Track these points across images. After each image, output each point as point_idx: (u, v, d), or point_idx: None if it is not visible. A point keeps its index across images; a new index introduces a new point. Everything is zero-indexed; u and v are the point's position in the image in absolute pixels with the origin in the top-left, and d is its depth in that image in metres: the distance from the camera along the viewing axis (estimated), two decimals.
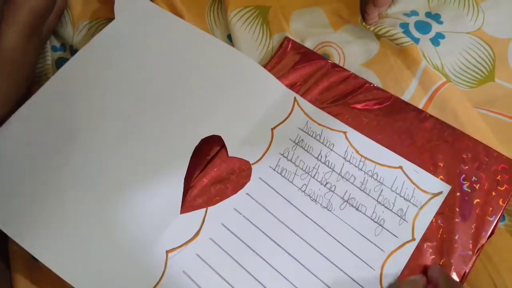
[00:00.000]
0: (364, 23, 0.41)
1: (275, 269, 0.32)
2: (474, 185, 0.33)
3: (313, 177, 0.34)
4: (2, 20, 0.35)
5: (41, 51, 0.42)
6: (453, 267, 0.31)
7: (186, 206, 0.34)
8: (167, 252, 0.32)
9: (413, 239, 0.32)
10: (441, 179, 0.34)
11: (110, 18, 0.40)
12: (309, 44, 0.41)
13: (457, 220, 0.32)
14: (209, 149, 0.36)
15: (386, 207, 0.33)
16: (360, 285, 0.31)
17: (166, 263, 0.32)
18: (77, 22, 0.44)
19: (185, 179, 0.34)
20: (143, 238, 0.32)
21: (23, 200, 0.33)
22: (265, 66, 0.39)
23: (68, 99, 0.36)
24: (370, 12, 0.40)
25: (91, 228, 0.32)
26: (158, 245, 0.32)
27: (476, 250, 0.32)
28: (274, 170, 0.35)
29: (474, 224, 0.32)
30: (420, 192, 0.33)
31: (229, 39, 0.42)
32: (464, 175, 0.34)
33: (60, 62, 0.42)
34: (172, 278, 0.31)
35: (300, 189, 0.34)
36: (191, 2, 0.43)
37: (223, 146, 0.35)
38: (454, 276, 0.31)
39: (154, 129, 0.35)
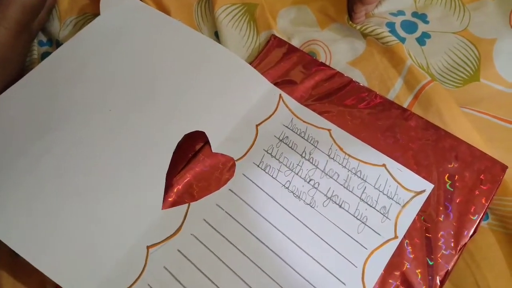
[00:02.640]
0: (350, 22, 0.41)
1: (256, 265, 0.31)
2: (457, 183, 0.33)
3: (297, 174, 0.34)
4: None
5: (30, 47, 0.42)
6: (435, 266, 0.31)
7: (168, 201, 0.33)
8: (148, 247, 0.32)
9: (396, 237, 0.32)
10: (424, 177, 0.34)
11: (97, 13, 0.40)
12: (295, 42, 0.41)
13: (439, 218, 0.32)
14: (192, 145, 0.36)
15: (369, 204, 0.33)
16: (342, 282, 0.31)
17: (146, 259, 0.31)
18: (64, 17, 0.44)
19: (168, 174, 0.34)
20: (124, 233, 0.32)
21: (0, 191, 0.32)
22: (251, 63, 0.39)
23: (50, 89, 0.36)
24: (358, 11, 0.40)
25: (72, 222, 0.32)
26: (139, 241, 0.32)
27: (458, 249, 0.31)
28: (258, 166, 0.35)
29: (457, 223, 0.32)
30: (403, 190, 0.33)
31: (216, 36, 0.42)
32: (447, 174, 0.34)
33: (46, 57, 0.42)
34: (153, 274, 0.31)
35: (284, 185, 0.34)
36: None
37: (207, 142, 0.35)
38: (436, 275, 0.31)
39: (137, 123, 0.35)
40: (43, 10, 0.40)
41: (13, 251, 0.33)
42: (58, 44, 0.43)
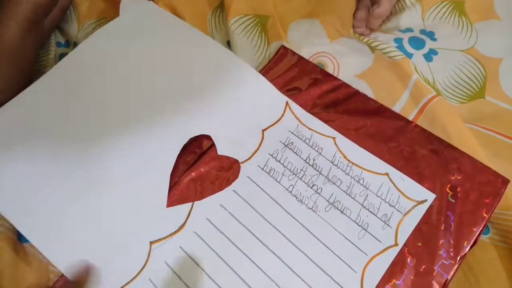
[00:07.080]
0: (357, 35, 0.42)
1: (256, 265, 0.32)
2: (459, 195, 0.34)
3: (300, 179, 0.35)
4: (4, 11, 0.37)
5: (40, 45, 0.43)
6: (434, 275, 0.31)
7: (173, 199, 0.34)
8: (151, 243, 0.32)
9: (396, 244, 0.32)
10: (426, 187, 0.34)
11: (114, 18, 0.42)
12: (304, 53, 0.42)
13: (440, 228, 0.33)
14: (199, 146, 0.36)
15: (370, 211, 0.33)
16: (341, 286, 0.31)
17: (149, 254, 0.32)
18: (83, 20, 0.45)
19: (174, 173, 0.34)
20: (128, 228, 0.33)
21: (14, 181, 0.33)
22: (260, 71, 0.40)
23: (67, 87, 0.38)
24: (359, 18, 0.42)
25: (80, 215, 0.33)
26: (143, 236, 0.32)
27: (458, 259, 0.32)
28: (262, 169, 0.35)
29: (457, 234, 0.32)
30: (405, 199, 0.34)
31: (229, 45, 0.44)
32: (449, 185, 0.34)
33: (62, 57, 0.43)
34: (154, 269, 0.31)
35: (287, 189, 0.34)
36: (193, 8, 0.45)
37: (213, 144, 0.36)
38: (435, 284, 0.31)
39: (148, 123, 0.36)
40: (56, 9, 0.42)
41: (15, 241, 0.34)
42: (75, 46, 0.44)
